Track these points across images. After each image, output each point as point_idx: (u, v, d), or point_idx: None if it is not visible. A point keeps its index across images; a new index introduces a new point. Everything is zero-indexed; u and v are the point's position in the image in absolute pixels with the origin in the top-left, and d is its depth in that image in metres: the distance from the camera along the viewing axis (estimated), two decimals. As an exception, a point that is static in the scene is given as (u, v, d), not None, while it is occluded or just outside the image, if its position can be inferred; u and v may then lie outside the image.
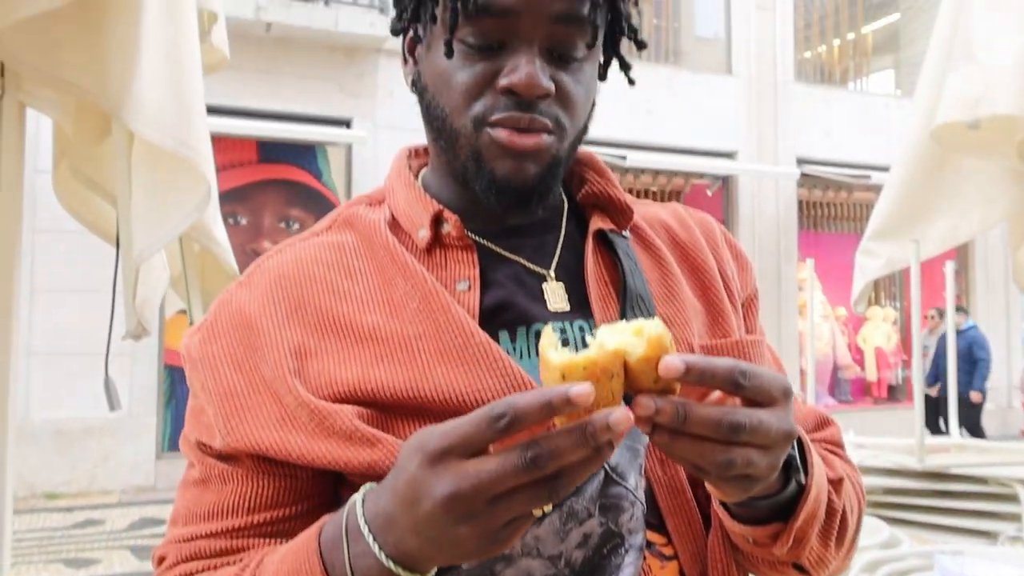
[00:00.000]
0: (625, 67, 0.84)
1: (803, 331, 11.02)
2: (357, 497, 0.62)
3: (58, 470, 7.71)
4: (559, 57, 0.74)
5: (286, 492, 0.74)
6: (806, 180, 11.08)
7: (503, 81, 0.72)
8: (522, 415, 0.53)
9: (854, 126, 11.40)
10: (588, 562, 0.70)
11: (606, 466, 0.71)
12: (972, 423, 9.01)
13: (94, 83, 1.62)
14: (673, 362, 0.55)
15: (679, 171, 10.50)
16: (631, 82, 0.85)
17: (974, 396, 8.83)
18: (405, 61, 0.83)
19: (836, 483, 0.76)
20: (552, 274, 0.80)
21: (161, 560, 0.76)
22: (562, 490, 0.54)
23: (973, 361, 9.03)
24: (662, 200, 10.73)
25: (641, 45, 0.82)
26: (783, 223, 11.03)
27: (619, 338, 0.57)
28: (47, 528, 6.64)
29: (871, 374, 11.86)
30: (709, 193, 10.94)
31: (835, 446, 0.88)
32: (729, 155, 10.75)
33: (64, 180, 1.94)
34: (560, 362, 0.55)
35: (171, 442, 8.22)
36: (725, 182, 10.90)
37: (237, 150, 8.42)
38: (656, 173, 10.49)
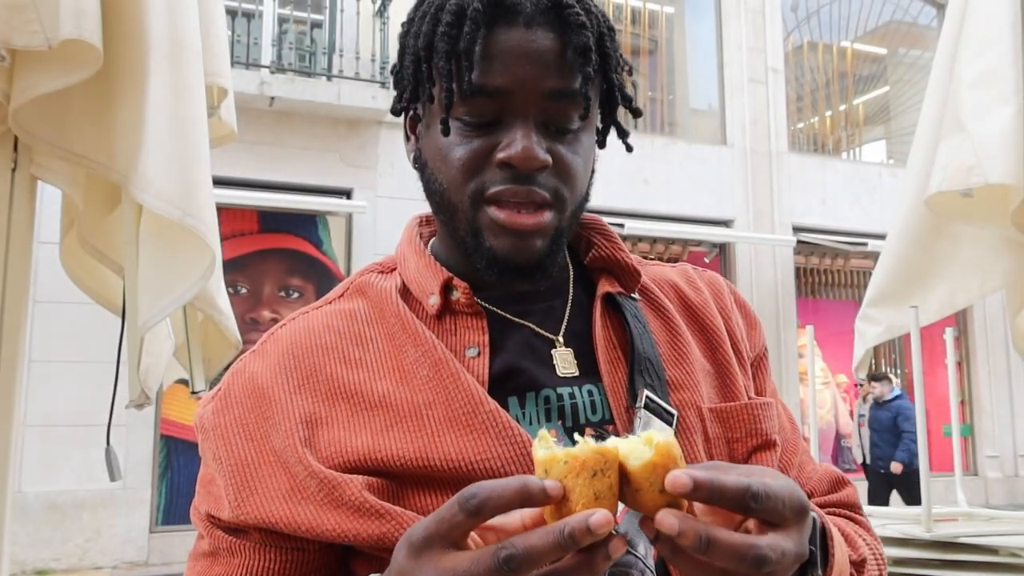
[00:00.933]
0: (623, 134, 0.85)
1: (804, 398, 10.96)
2: None
3: (49, 545, 7.55)
4: (555, 130, 0.76)
5: (294, 565, 0.73)
6: (803, 247, 11.17)
7: (500, 155, 0.74)
8: (494, 497, 0.53)
9: (849, 194, 11.56)
10: None
11: (613, 532, 0.70)
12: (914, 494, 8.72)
13: (103, 156, 1.66)
14: (680, 478, 0.53)
15: (676, 238, 10.61)
16: (629, 148, 0.87)
17: (895, 467, 8.52)
18: (408, 138, 0.85)
19: (859, 565, 0.75)
20: (561, 339, 0.80)
21: None
22: None
23: (898, 433, 8.75)
24: (660, 268, 10.79)
25: (637, 113, 0.84)
26: (781, 290, 11.08)
27: (616, 442, 0.56)
28: (36, 605, 6.48)
29: (874, 442, 11.73)
30: (707, 260, 11.02)
31: (851, 508, 0.87)
32: (726, 223, 10.87)
33: (71, 250, 1.96)
34: (542, 457, 0.55)
35: (166, 516, 8.07)
36: (722, 250, 10.99)
37: (238, 220, 8.50)
38: (654, 241, 10.59)
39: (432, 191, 0.80)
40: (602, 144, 0.86)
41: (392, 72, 0.84)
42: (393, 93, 0.84)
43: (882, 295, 3.09)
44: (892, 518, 3.23)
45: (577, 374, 0.79)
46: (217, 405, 0.79)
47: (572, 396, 0.77)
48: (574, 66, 0.74)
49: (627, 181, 10.17)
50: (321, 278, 8.82)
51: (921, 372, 3.10)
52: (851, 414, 11.67)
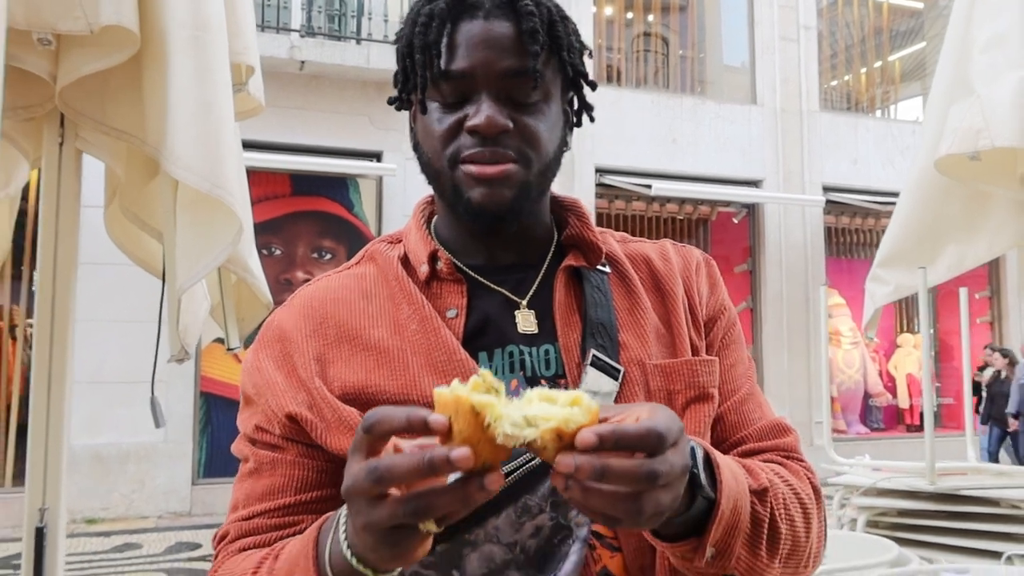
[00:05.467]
0: (587, 108, 0.99)
1: (833, 358, 10.99)
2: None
3: (96, 496, 7.91)
4: (516, 103, 0.89)
5: (326, 475, 0.88)
6: (833, 207, 11.10)
7: (468, 124, 0.88)
8: (383, 421, 0.63)
9: (880, 153, 11.43)
10: (540, 550, 0.82)
11: None
12: None
13: (138, 131, 1.79)
14: (587, 436, 0.60)
15: (705, 199, 10.60)
16: (592, 120, 1.01)
17: None
18: (412, 129, 0.99)
19: (759, 493, 0.82)
20: (525, 303, 0.94)
21: (223, 537, 0.90)
22: (426, 514, 0.62)
23: None
24: (688, 228, 10.82)
25: (592, 86, 0.98)
26: (810, 250, 11.04)
27: (549, 409, 0.63)
28: (87, 552, 6.83)
29: (903, 401, 11.74)
30: (735, 221, 11.01)
31: (789, 452, 0.96)
32: (755, 183, 10.82)
33: (115, 218, 2.12)
34: (439, 391, 0.64)
35: (206, 469, 8.40)
36: (751, 210, 10.96)
37: (271, 183, 8.68)
38: (682, 202, 10.59)
39: (424, 164, 0.95)
40: (578, 123, 1.00)
41: (393, 75, 0.98)
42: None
43: (892, 256, 3.16)
44: (899, 472, 3.33)
45: (537, 333, 0.93)
46: (255, 348, 0.96)
47: (532, 353, 0.91)
48: (525, 47, 0.88)
49: (655, 141, 10.16)
50: (352, 240, 8.99)
51: (929, 331, 3.18)
52: (880, 374, 11.69)
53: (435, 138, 0.90)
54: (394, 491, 0.63)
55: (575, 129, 1.01)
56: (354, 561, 0.68)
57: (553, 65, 0.92)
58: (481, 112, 0.86)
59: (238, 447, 0.95)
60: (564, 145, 0.96)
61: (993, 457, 9.97)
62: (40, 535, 1.84)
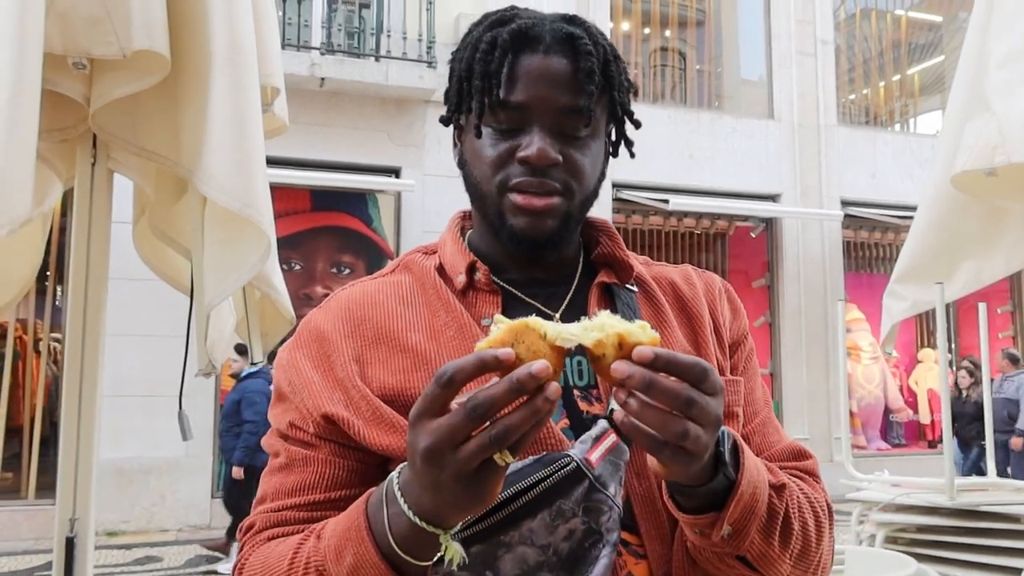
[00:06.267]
0: (628, 144, 1.04)
1: (852, 372, 10.91)
2: (395, 472, 0.77)
3: (118, 508, 7.99)
4: (566, 136, 0.94)
5: (357, 475, 0.92)
6: (852, 221, 11.07)
7: (520, 154, 0.92)
8: (458, 370, 0.68)
9: (899, 167, 11.39)
10: (572, 553, 0.85)
11: (590, 476, 0.85)
12: None
13: (171, 152, 1.85)
14: (645, 351, 0.69)
15: (722, 214, 10.60)
16: (632, 155, 1.06)
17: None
18: (455, 145, 1.03)
19: (777, 487, 0.88)
20: (558, 316, 0.99)
21: (250, 528, 0.93)
22: (507, 436, 0.67)
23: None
24: (706, 243, 10.82)
25: (637, 125, 1.02)
26: (829, 265, 11.00)
27: (613, 321, 0.71)
28: (109, 564, 6.90)
29: (924, 417, 11.64)
30: (753, 235, 11.00)
31: (806, 474, 1.00)
32: (772, 198, 10.82)
33: (143, 235, 2.17)
34: (483, 342, 0.70)
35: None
36: (769, 224, 10.95)
37: (291, 199, 8.78)
38: (699, 216, 10.59)
39: (470, 184, 0.99)
40: (615, 153, 1.05)
41: (444, 93, 1.02)
42: (439, 73, 1.03)
43: (909, 271, 3.16)
44: (918, 488, 3.32)
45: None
46: (290, 346, 1.00)
47: (565, 364, 0.92)
48: (581, 86, 0.92)
49: (673, 156, 10.18)
50: (371, 254, 9.07)
51: (948, 346, 3.18)
52: (900, 389, 11.59)
53: (486, 163, 0.95)
54: None
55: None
56: (426, 525, 0.72)
57: (603, 103, 0.96)
58: (534, 144, 0.91)
59: (269, 441, 0.98)
60: (603, 176, 1.01)
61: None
62: (70, 545, 1.89)
